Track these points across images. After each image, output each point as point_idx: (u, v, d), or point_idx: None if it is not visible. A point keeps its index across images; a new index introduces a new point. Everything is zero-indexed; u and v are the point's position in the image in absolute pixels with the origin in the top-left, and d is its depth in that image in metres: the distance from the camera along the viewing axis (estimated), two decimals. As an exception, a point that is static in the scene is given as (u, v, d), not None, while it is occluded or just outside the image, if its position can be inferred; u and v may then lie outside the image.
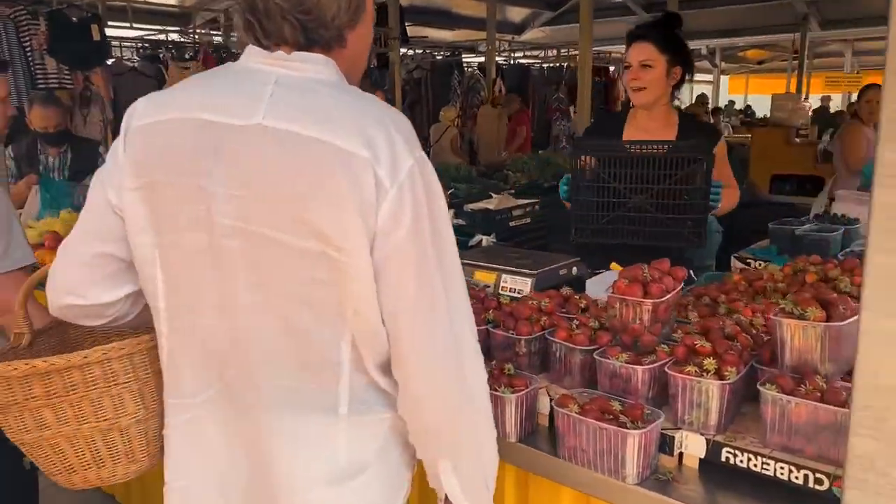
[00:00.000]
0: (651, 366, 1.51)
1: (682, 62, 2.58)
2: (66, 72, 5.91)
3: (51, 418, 1.26)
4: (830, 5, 10.88)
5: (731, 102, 16.17)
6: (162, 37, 8.44)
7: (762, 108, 16.35)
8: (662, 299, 1.60)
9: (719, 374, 1.44)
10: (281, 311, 1.12)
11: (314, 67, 1.15)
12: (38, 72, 5.69)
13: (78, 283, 1.22)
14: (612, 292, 1.65)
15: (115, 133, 5.22)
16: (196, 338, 1.19)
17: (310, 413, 1.17)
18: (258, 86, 1.12)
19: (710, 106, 13.10)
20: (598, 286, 2.02)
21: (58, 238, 3.11)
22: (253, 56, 1.17)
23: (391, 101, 8.41)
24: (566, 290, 1.96)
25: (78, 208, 3.65)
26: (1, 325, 1.99)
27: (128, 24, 7.81)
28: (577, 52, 11.99)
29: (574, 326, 1.70)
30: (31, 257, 2.07)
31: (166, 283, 1.18)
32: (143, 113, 1.17)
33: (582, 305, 1.89)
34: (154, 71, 7.37)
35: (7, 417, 1.28)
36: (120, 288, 1.24)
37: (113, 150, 1.18)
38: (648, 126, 2.65)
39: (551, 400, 1.62)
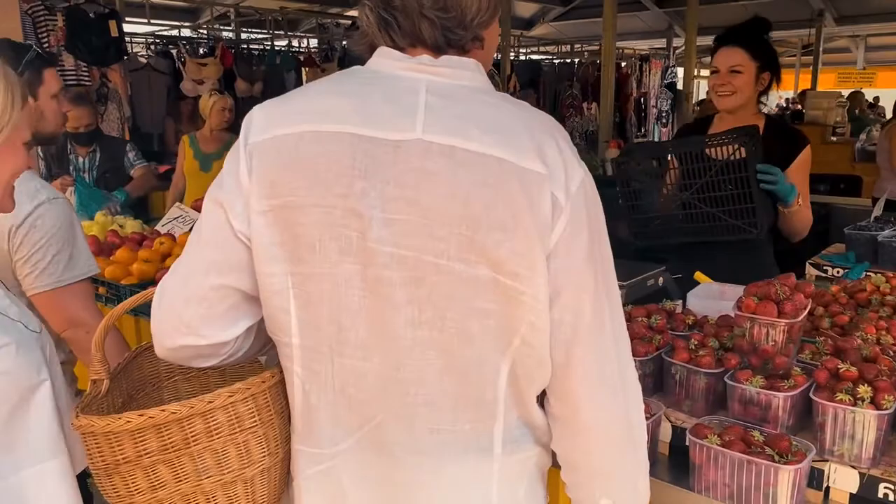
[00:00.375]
0: (793, 392, 1.40)
1: (771, 68, 2.50)
2: (84, 68, 5.76)
3: (167, 475, 1.11)
4: (846, 1, 10.78)
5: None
6: (173, 32, 8.30)
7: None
8: (798, 319, 1.49)
9: (875, 403, 1.33)
10: (444, 346, 1.00)
11: (466, 73, 1.04)
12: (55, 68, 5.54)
13: (193, 321, 1.06)
14: (740, 310, 1.53)
15: (133, 131, 5.08)
16: (338, 380, 1.05)
17: (465, 456, 1.06)
18: (407, 95, 1.00)
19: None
20: (700, 299, 1.91)
21: (97, 242, 2.99)
22: (389, 60, 1.04)
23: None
24: (669, 304, 1.84)
25: (112, 214, 3.53)
26: (65, 338, 1.88)
27: (138, 20, 7.70)
28: (590, 48, 12.01)
29: (692, 346, 1.59)
30: (94, 266, 1.96)
31: (302, 317, 1.03)
32: (264, 125, 1.02)
33: (689, 322, 1.78)
34: (167, 67, 7.24)
35: (112, 479, 1.12)
36: (238, 323, 1.09)
37: (231, 168, 1.03)
38: None
39: (674, 427, 1.52)
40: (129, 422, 1.08)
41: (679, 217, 2.44)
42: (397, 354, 1.01)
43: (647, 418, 1.45)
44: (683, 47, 12.65)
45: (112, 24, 5.80)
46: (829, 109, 7.11)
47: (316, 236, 0.99)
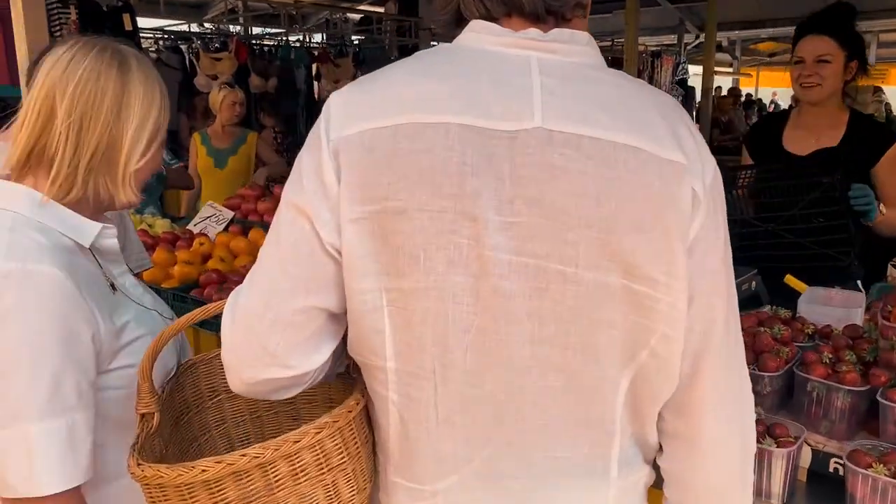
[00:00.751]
0: (963, 414, 1.24)
1: (859, 56, 2.34)
2: (97, 63, 5.58)
3: None
4: (861, -4, 10.63)
5: (749, 95, 15.91)
6: (183, 27, 8.13)
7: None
8: (957, 331, 1.34)
9: None
10: (566, 365, 0.89)
11: (580, 49, 0.91)
12: (68, 63, 5.36)
13: (279, 350, 0.92)
14: (888, 321, 1.38)
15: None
16: (442, 408, 0.92)
17: (581, 482, 0.96)
18: (517, 76, 0.87)
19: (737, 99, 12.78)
20: (811, 306, 1.75)
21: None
22: (488, 35, 0.90)
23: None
24: (783, 313, 1.69)
25: (138, 212, 3.36)
26: None
27: (147, 16, 7.52)
28: (601, 44, 11.84)
29: (827, 360, 1.44)
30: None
31: (400, 338, 0.90)
32: (348, 117, 0.88)
33: (808, 331, 1.63)
34: (179, 62, 7.05)
35: None
36: (322, 348, 0.95)
37: (312, 168, 0.88)
38: (814, 125, 2.41)
39: (814, 451, 1.37)
40: (204, 471, 0.92)
41: (761, 245, 2.32)
42: (513, 376, 0.89)
43: (790, 442, 1.30)
44: (695, 43, 12.54)
45: (126, 17, 5.62)
46: (864, 104, 6.94)
47: (420, 245, 0.85)
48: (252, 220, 3.07)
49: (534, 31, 0.89)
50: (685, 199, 0.85)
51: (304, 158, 0.90)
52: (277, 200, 3.17)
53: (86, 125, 1.14)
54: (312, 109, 7.89)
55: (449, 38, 0.97)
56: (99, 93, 1.15)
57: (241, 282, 2.62)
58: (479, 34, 0.91)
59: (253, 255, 2.69)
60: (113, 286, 1.23)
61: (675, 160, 0.85)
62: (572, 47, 0.90)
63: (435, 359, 0.89)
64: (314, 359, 0.94)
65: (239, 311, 0.94)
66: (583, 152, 0.83)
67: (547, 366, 0.89)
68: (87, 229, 1.19)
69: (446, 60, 0.91)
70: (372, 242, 0.86)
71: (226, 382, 1.03)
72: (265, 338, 0.91)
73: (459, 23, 0.95)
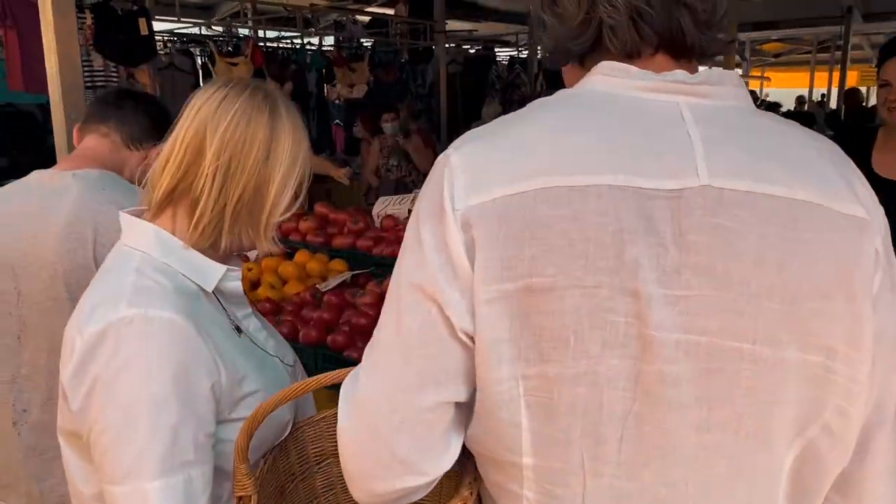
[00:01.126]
0: None
1: None
2: (113, 68, 5.43)
3: None
4: (875, -3, 10.57)
5: (754, 97, 15.87)
6: (195, 30, 7.99)
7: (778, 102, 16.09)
8: None
9: None
10: (736, 452, 0.79)
11: (731, 91, 0.82)
12: (84, 68, 5.19)
13: (410, 456, 0.82)
14: None
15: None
16: None
17: None
18: (669, 127, 0.77)
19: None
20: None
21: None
22: (622, 77, 0.80)
23: (436, 98, 7.98)
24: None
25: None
26: None
27: (159, 18, 7.37)
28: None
29: None
30: None
31: (541, 432, 0.78)
32: (477, 180, 0.76)
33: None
34: (189, 66, 6.92)
35: None
36: (451, 445, 0.84)
37: (435, 243, 0.77)
38: None
39: None
40: None
41: None
42: (676, 467, 0.80)
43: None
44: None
45: (141, 21, 5.46)
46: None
47: (570, 327, 0.74)
48: (294, 240, 2.92)
49: (680, 73, 0.79)
50: (869, 258, 0.77)
51: (422, 230, 0.78)
52: (319, 219, 3.01)
53: (234, 168, 1.11)
54: (322, 112, 7.79)
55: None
56: (249, 136, 1.12)
57: (295, 311, 2.46)
58: (612, 77, 0.81)
59: (302, 280, 2.55)
60: (238, 329, 1.20)
61: (856, 215, 0.77)
62: (724, 90, 0.81)
63: (584, 451, 0.79)
64: (444, 459, 0.84)
65: (358, 408, 0.83)
66: (759, 213, 0.74)
67: (715, 453, 0.79)
68: (211, 272, 1.16)
69: (581, 110, 0.80)
70: (510, 325, 0.76)
71: (333, 445, 0.93)
72: (393, 442, 0.81)
73: (587, 56, 0.85)
